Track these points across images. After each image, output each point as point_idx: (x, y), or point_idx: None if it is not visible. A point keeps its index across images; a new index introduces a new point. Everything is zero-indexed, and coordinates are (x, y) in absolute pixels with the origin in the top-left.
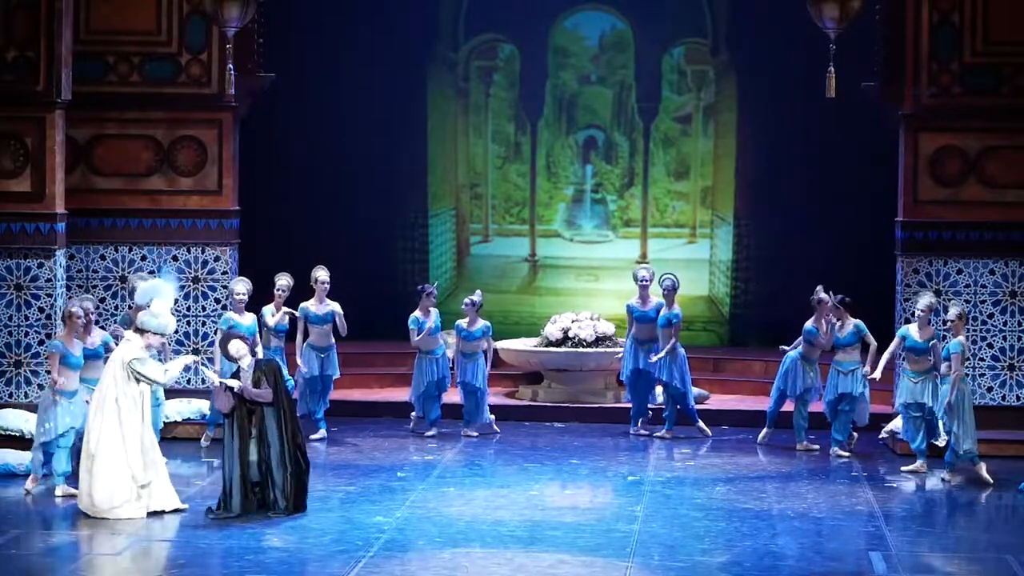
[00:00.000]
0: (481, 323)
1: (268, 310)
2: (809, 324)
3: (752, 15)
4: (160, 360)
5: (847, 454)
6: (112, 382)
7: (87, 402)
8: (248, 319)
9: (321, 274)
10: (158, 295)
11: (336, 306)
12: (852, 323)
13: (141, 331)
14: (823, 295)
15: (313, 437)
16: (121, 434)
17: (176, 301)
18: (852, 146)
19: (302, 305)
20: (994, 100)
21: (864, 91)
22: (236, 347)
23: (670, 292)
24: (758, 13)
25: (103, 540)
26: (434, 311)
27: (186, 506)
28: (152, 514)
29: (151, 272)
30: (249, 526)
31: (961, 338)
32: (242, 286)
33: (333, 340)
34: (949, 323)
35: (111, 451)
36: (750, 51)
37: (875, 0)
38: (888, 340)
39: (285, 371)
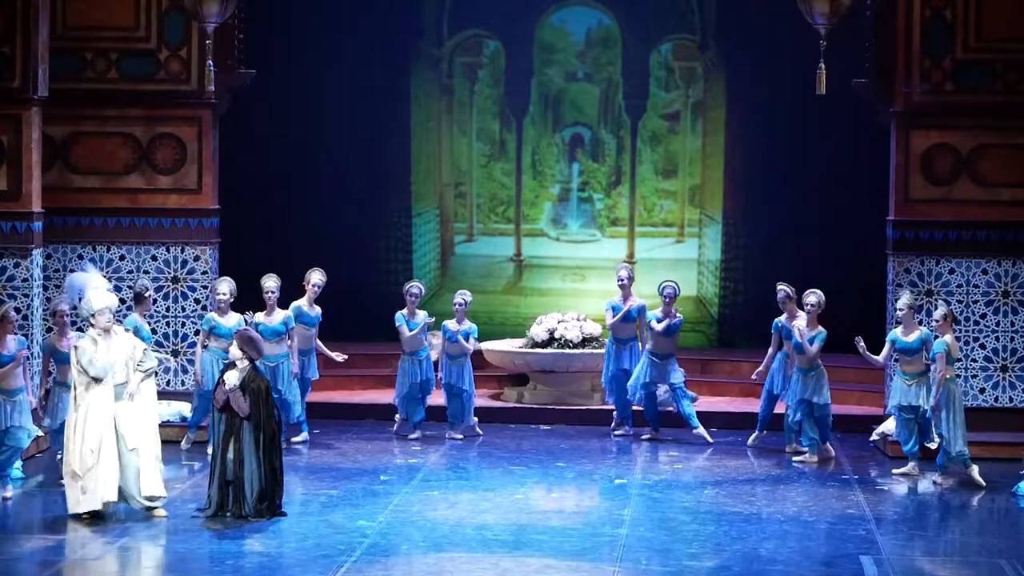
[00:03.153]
0: (467, 324)
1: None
2: (782, 321)
3: (741, 10)
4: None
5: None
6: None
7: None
8: (232, 319)
9: (316, 277)
10: (76, 285)
11: (317, 310)
12: (819, 330)
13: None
14: (787, 291)
15: (295, 440)
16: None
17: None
18: (843, 144)
19: (294, 304)
20: (987, 97)
21: (855, 88)
22: (234, 351)
23: (671, 300)
24: (747, 8)
25: (83, 544)
26: (421, 311)
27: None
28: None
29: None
30: (230, 530)
31: (948, 338)
32: (225, 286)
33: (314, 344)
34: (935, 323)
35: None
36: (739, 47)
37: None
38: (878, 339)
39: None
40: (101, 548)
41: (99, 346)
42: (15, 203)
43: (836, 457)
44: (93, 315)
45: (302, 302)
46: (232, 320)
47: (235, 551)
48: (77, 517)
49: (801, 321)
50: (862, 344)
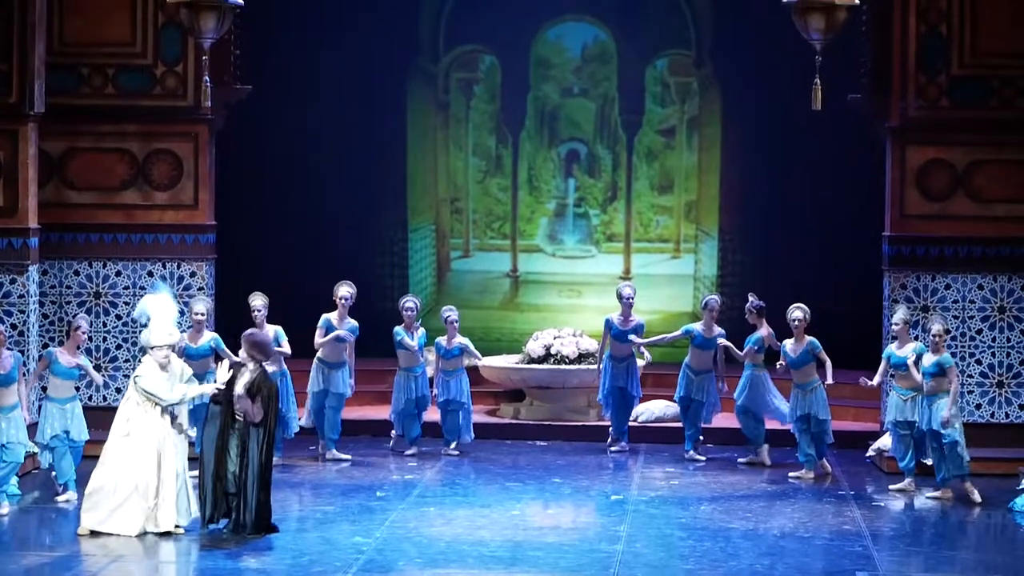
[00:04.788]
0: (459, 340)
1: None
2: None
3: (737, 26)
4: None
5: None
6: (130, 403)
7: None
8: (268, 331)
9: (343, 290)
10: (146, 312)
11: (351, 323)
12: (807, 341)
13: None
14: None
15: (334, 456)
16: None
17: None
18: (838, 159)
19: (324, 316)
20: (982, 113)
21: (851, 103)
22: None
23: (714, 312)
24: (743, 24)
25: (76, 562)
26: (420, 327)
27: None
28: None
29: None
30: (226, 546)
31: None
32: (260, 300)
33: (345, 358)
34: (935, 339)
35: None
36: (735, 63)
37: (862, 11)
38: (874, 355)
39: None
40: (98, 566)
41: (160, 375)
42: (11, 219)
43: (832, 473)
44: (152, 348)
45: (332, 315)
46: (207, 337)
47: (231, 568)
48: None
49: (789, 341)
50: (867, 382)
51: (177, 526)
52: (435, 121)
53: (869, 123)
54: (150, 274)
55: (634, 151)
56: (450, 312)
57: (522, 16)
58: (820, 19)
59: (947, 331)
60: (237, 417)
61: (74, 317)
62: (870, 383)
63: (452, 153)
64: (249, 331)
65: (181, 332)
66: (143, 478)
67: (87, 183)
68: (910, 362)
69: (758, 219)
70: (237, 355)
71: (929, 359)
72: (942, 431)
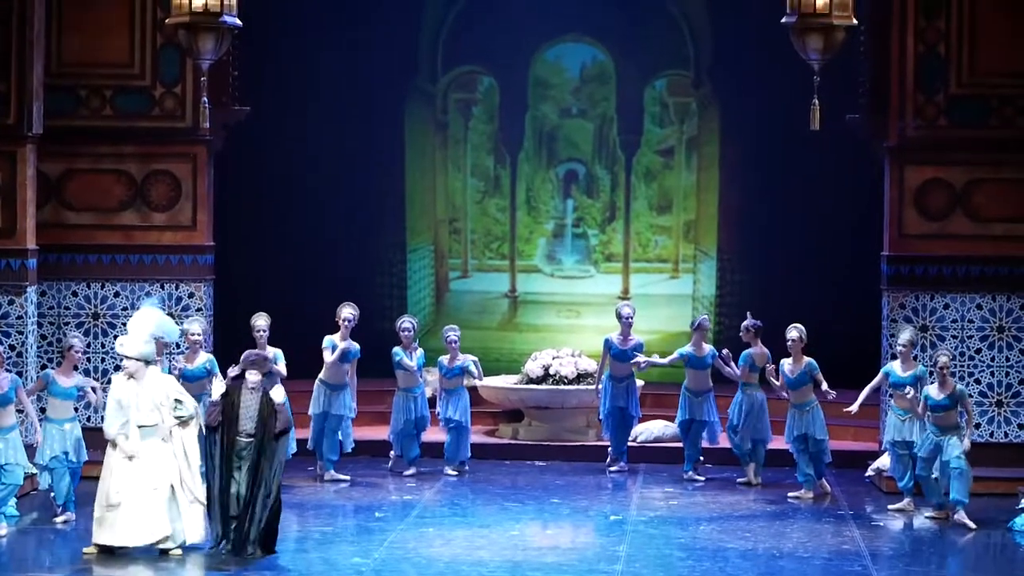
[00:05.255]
0: (462, 359)
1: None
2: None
3: (735, 46)
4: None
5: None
6: None
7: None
8: (270, 352)
9: (346, 312)
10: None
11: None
12: (805, 362)
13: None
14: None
15: (333, 477)
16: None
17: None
18: (837, 179)
19: (328, 337)
20: (981, 132)
21: (849, 123)
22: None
23: (704, 331)
24: (741, 44)
25: None
26: (418, 347)
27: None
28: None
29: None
30: (224, 568)
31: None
32: (263, 320)
33: (347, 379)
34: (941, 372)
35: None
36: (733, 82)
37: (860, 31)
38: (873, 375)
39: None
40: None
41: (127, 386)
42: (10, 240)
43: (831, 493)
44: (124, 357)
45: (335, 337)
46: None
47: None
48: (85, 552)
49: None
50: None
51: (178, 546)
52: (433, 141)
53: (867, 143)
54: (148, 295)
55: (632, 171)
56: (452, 331)
57: (520, 36)
58: (818, 39)
59: (951, 358)
60: (240, 439)
61: (66, 337)
62: (852, 409)
63: (450, 173)
64: (250, 353)
65: (177, 353)
66: (132, 491)
67: (85, 204)
68: (909, 393)
69: (757, 239)
70: (226, 374)
71: (936, 391)
72: (953, 461)
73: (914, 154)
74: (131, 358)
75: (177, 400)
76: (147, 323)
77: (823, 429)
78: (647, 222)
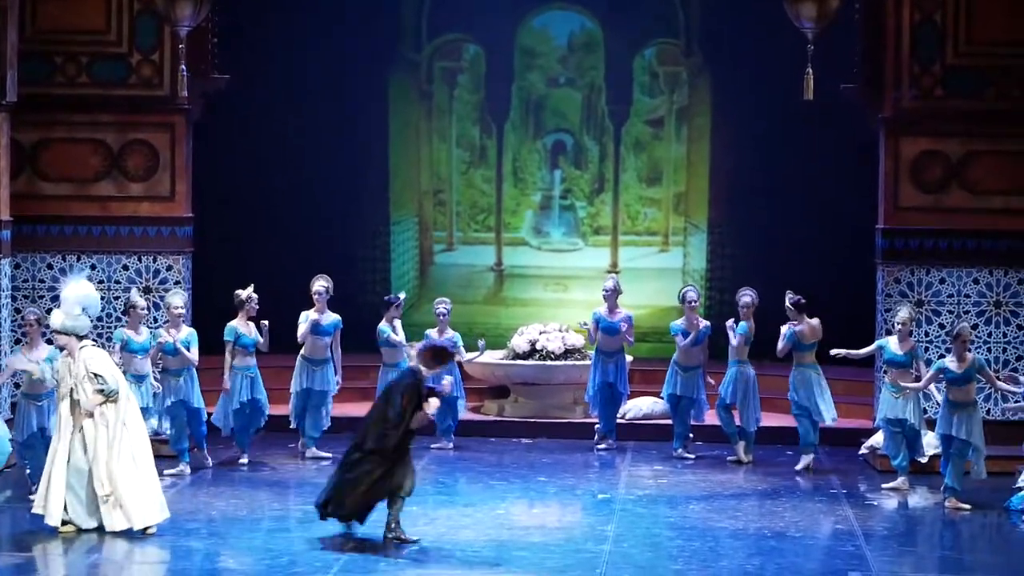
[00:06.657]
0: (450, 333)
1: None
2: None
3: (727, 14)
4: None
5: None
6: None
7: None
8: (253, 330)
9: (317, 284)
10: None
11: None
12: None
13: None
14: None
15: (314, 454)
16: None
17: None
18: (831, 151)
19: (304, 313)
20: (978, 103)
21: (843, 94)
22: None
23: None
24: (733, 12)
25: (51, 560)
26: (399, 323)
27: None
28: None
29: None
30: (203, 547)
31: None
32: (179, 299)
33: (330, 354)
34: (960, 343)
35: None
36: (725, 52)
37: None
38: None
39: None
40: (69, 565)
41: (60, 362)
42: None
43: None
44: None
45: (312, 312)
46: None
47: (209, 568)
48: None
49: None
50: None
51: (149, 527)
52: (418, 111)
53: (862, 114)
54: (125, 268)
55: (621, 142)
56: (442, 304)
57: (507, 4)
58: (812, 8)
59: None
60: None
61: (26, 313)
62: (839, 352)
63: (435, 144)
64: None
65: (157, 327)
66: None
67: (61, 174)
68: (924, 371)
69: (748, 212)
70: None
71: (955, 364)
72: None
73: (910, 125)
74: (59, 332)
75: (95, 374)
76: (75, 295)
77: (807, 390)
78: (636, 194)
